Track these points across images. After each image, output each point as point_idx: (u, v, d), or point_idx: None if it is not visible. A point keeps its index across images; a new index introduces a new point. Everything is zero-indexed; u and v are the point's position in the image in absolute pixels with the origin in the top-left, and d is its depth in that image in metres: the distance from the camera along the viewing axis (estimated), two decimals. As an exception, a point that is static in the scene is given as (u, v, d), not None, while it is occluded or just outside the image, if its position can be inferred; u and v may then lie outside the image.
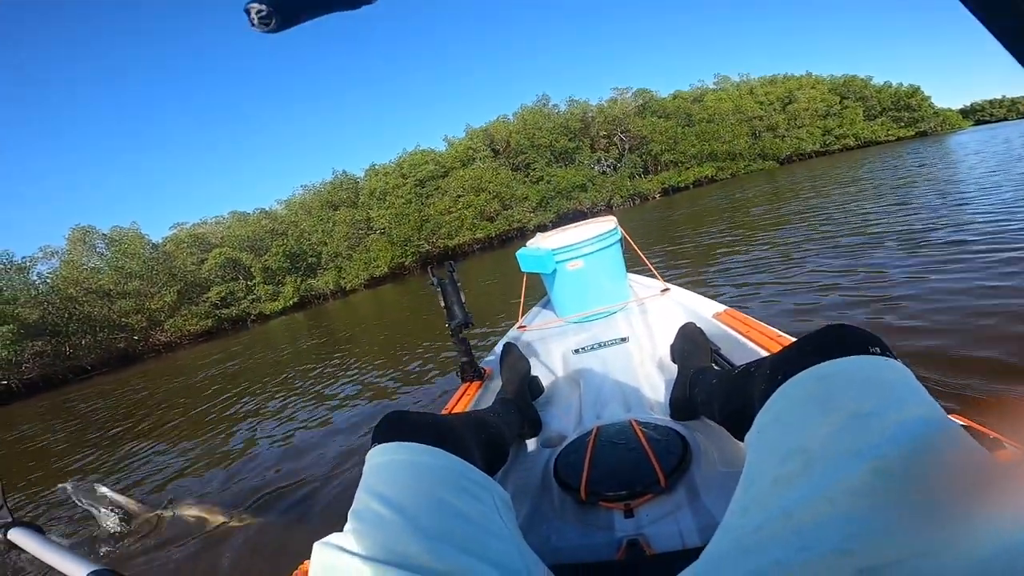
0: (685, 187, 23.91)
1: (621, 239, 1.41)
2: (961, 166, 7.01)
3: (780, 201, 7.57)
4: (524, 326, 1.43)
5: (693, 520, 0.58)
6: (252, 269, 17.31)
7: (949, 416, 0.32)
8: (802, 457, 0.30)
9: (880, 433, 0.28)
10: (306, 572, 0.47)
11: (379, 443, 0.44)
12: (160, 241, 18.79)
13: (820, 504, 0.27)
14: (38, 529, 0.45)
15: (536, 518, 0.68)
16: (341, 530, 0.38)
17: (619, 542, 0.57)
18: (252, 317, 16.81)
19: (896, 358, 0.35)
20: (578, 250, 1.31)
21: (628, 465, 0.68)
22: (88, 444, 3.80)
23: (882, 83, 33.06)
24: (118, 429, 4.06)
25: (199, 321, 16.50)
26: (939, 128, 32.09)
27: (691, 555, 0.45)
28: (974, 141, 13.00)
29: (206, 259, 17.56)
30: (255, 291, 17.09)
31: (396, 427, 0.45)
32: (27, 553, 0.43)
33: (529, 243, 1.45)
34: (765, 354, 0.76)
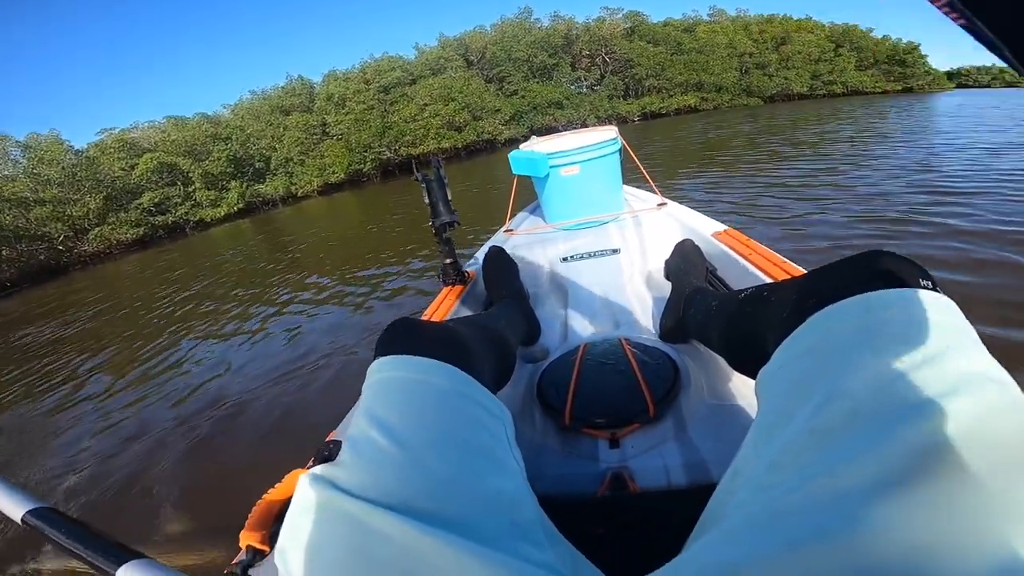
0: (666, 114, 23.45)
1: (620, 150, 1.30)
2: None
3: (769, 135, 7.39)
4: (512, 230, 1.35)
5: (679, 455, 0.56)
6: (191, 175, 15.82)
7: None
8: (846, 404, 0.24)
9: (942, 383, 0.23)
10: (272, 502, 0.39)
11: (384, 355, 0.37)
12: (84, 148, 16.87)
13: (869, 466, 0.22)
14: None
15: (517, 443, 0.58)
16: (321, 459, 0.33)
17: (603, 474, 0.55)
18: (191, 224, 15.51)
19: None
20: (574, 156, 1.20)
21: (615, 389, 0.64)
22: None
23: (881, 36, 32.48)
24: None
25: (129, 229, 15.10)
26: (926, 87, 32.10)
27: (676, 495, 0.48)
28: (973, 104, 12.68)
29: (137, 164, 15.92)
30: (194, 197, 15.71)
31: (406, 337, 0.38)
32: None
33: (522, 146, 1.35)
34: (767, 280, 0.71)
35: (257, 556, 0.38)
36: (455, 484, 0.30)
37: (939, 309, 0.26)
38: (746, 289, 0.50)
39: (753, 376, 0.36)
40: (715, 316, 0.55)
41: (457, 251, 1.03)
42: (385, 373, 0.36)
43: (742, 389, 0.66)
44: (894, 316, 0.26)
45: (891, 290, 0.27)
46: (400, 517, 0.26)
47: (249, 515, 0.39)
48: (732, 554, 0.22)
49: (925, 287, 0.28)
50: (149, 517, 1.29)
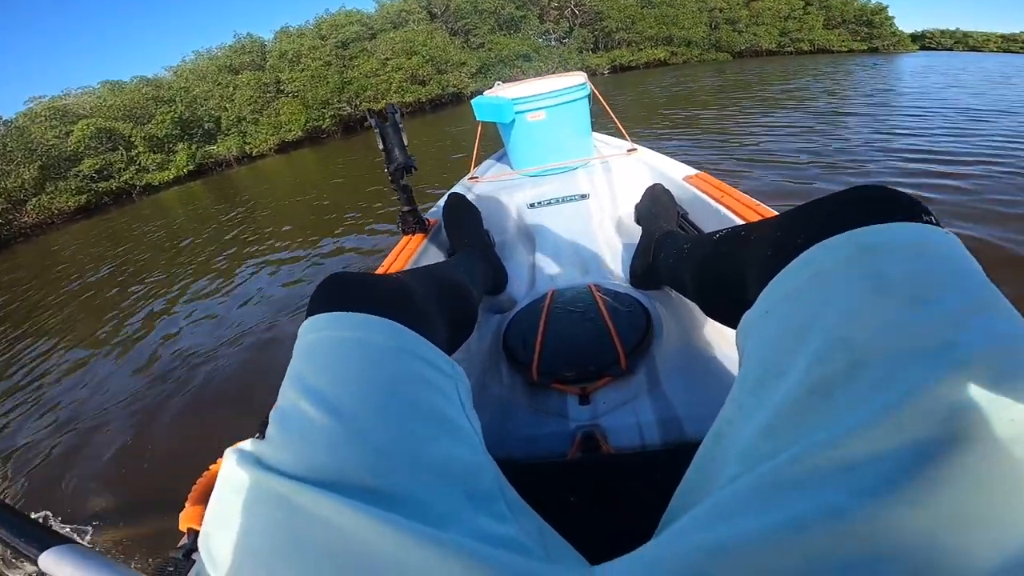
0: (636, 67, 23.30)
1: (589, 96, 1.25)
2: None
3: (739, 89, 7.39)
4: (476, 177, 1.31)
5: (652, 411, 0.53)
6: (133, 139, 15.02)
7: None
8: (845, 354, 0.21)
9: (955, 327, 0.19)
10: (212, 481, 0.35)
11: (315, 314, 0.32)
12: (13, 117, 15.96)
13: (881, 431, 0.18)
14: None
15: (482, 401, 0.59)
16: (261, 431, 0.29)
17: (573, 434, 0.52)
18: (138, 189, 14.82)
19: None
20: (540, 101, 1.16)
21: (585, 339, 0.61)
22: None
23: (852, -3, 33.28)
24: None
25: (70, 197, 14.31)
26: (891, 48, 32.87)
27: (651, 457, 0.45)
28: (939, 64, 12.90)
29: (72, 132, 15.07)
30: (138, 161, 14.96)
31: (339, 293, 0.33)
32: None
33: (487, 92, 1.32)
34: (742, 223, 0.62)
35: None
36: (398, 454, 0.26)
37: (946, 245, 0.23)
38: (721, 230, 0.45)
39: (731, 324, 0.33)
40: (687, 259, 0.51)
41: (421, 206, 0.99)
42: (315, 333, 0.31)
43: (718, 339, 0.63)
44: (896, 252, 0.23)
45: (891, 224, 0.24)
46: (334, 496, 0.23)
47: (189, 494, 0.35)
48: (724, 534, 0.19)
49: (927, 222, 0.24)
50: (86, 496, 1.22)
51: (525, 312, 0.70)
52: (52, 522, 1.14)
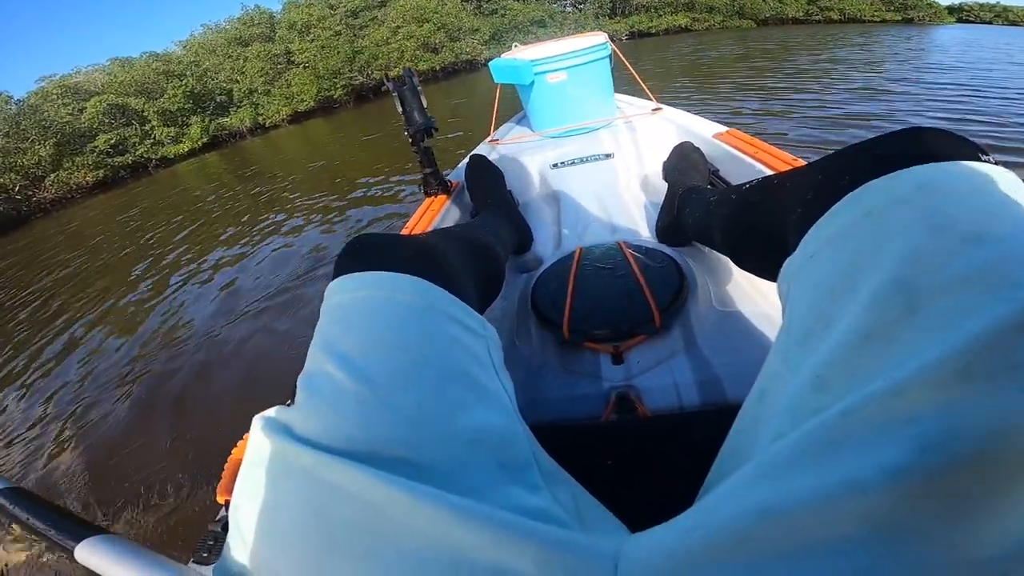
0: (655, 33, 22.48)
1: (610, 56, 1.22)
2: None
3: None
4: (496, 140, 1.28)
5: (690, 371, 0.52)
6: (146, 114, 15.16)
7: None
8: (904, 296, 0.19)
9: (1020, 266, 0.18)
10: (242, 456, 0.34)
11: (342, 274, 0.31)
12: (25, 96, 16.23)
13: (943, 374, 0.16)
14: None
15: (511, 362, 0.53)
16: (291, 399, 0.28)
17: (607, 395, 0.51)
18: (154, 162, 15.01)
19: None
20: (561, 62, 1.14)
21: (617, 297, 0.59)
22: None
23: (885, -36, 31.52)
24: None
25: (88, 172, 14.46)
26: (927, 19, 31.26)
27: (690, 419, 0.44)
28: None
29: (85, 108, 15.23)
30: (153, 135, 15.15)
31: (366, 253, 0.32)
32: None
33: (504, 55, 1.29)
34: (771, 174, 0.64)
35: None
36: (431, 424, 0.25)
37: (1008, 183, 0.21)
38: (750, 181, 0.43)
39: (767, 276, 0.31)
40: (716, 211, 0.49)
41: (441, 172, 0.96)
42: (342, 295, 0.30)
43: (754, 295, 0.62)
44: (957, 190, 0.21)
45: (950, 162, 0.22)
46: (364, 468, 0.22)
47: (225, 466, 0.36)
48: (771, 496, 0.17)
49: (986, 162, 0.22)
50: (129, 472, 1.18)
51: (553, 270, 0.68)
52: (94, 510, 1.11)
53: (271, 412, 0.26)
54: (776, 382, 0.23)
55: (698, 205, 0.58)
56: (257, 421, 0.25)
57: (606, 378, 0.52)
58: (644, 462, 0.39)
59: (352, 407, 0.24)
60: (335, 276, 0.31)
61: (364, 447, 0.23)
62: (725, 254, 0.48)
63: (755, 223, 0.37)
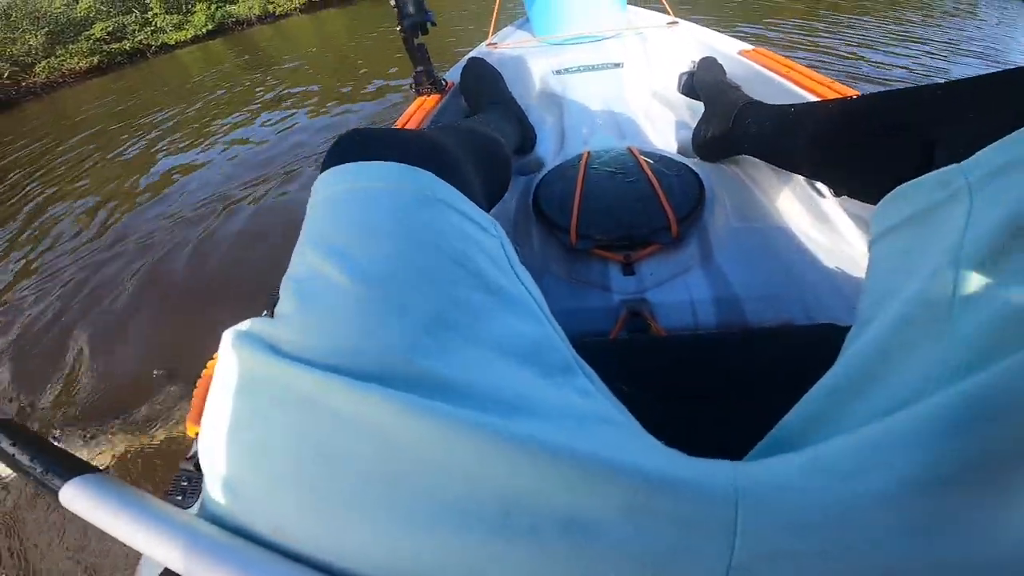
0: None
1: None
2: None
3: None
4: (495, 43, 1.22)
5: (707, 286, 0.50)
6: (148, 1, 14.56)
7: None
8: None
9: None
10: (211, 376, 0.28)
11: (333, 166, 0.27)
12: None
13: None
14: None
15: None
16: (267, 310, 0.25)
17: (617, 309, 0.49)
18: (153, 48, 14.41)
19: None
20: None
21: (629, 202, 0.57)
22: None
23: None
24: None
25: (82, 59, 13.89)
26: None
27: (706, 341, 0.41)
28: None
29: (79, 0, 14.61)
30: (154, 23, 14.57)
31: (362, 144, 0.27)
32: None
33: None
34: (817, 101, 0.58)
35: None
36: (452, 329, 0.20)
37: None
38: (845, 98, 0.41)
39: (870, 198, 0.29)
40: (802, 122, 0.44)
41: (448, 63, 0.89)
42: (336, 186, 0.25)
43: (772, 213, 0.61)
44: None
45: None
46: (382, 391, 0.17)
47: (194, 391, 0.30)
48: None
49: None
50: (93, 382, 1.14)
51: (557, 172, 0.65)
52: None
53: (245, 325, 0.20)
54: (924, 328, 0.18)
55: (766, 119, 0.54)
56: (229, 337, 0.20)
57: (616, 289, 0.50)
58: (659, 386, 0.34)
59: (355, 312, 0.19)
60: (325, 167, 0.27)
61: (374, 363, 0.18)
62: (805, 173, 0.45)
63: (878, 136, 0.33)
